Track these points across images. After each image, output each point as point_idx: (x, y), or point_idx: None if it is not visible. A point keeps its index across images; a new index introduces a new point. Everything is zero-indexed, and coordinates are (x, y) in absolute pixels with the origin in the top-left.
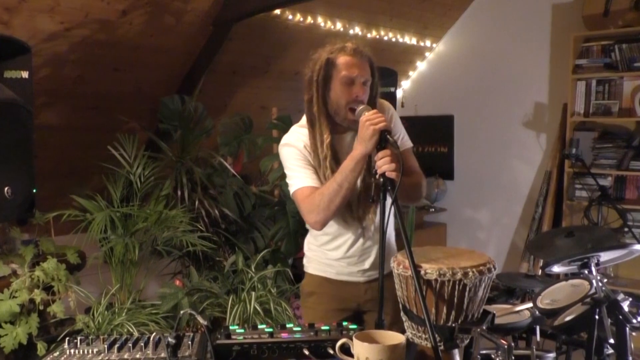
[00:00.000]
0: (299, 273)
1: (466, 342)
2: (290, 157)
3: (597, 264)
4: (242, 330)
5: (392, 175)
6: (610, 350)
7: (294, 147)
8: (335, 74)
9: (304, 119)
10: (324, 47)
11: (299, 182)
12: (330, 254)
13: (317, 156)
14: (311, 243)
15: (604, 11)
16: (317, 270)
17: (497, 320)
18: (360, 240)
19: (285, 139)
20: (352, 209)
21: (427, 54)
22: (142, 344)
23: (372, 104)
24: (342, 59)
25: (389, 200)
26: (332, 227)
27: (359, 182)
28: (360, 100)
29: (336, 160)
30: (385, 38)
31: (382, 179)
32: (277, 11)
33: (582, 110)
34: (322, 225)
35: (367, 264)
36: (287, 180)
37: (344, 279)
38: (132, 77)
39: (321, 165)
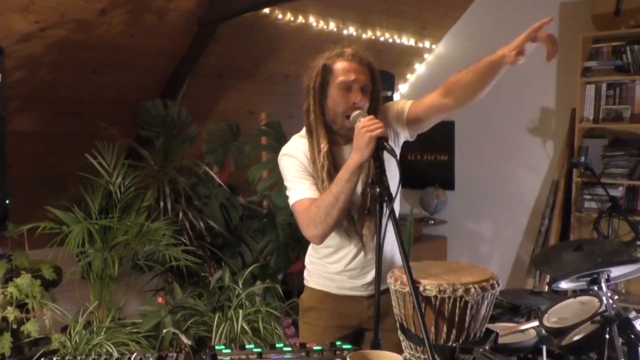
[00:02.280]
0: (289, 289)
1: None
2: (289, 168)
3: (608, 280)
4: (228, 351)
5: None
6: None
7: (293, 158)
8: (332, 80)
9: (304, 129)
10: (322, 53)
11: (298, 193)
12: (331, 267)
13: (316, 166)
14: (312, 255)
15: (615, 10)
16: (318, 285)
17: (501, 340)
18: (362, 253)
19: (285, 149)
20: (355, 221)
21: (426, 55)
22: None
23: (374, 112)
24: (339, 64)
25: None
26: (334, 239)
27: (359, 192)
28: (358, 107)
29: (335, 171)
30: (382, 39)
31: (378, 189)
32: (266, 10)
33: (592, 115)
34: (321, 239)
35: (369, 277)
36: (287, 192)
37: (346, 293)
38: (111, 80)
39: (319, 176)
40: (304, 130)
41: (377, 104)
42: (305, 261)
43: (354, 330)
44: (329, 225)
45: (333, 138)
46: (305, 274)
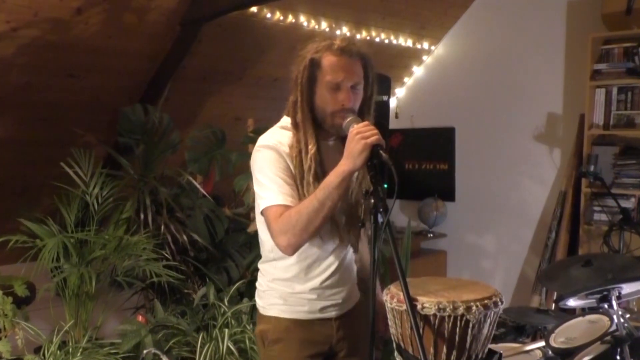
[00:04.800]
0: None
1: None
2: (269, 162)
3: (619, 297)
4: None
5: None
6: None
7: (276, 152)
8: (320, 77)
9: (285, 120)
10: (313, 41)
11: (273, 197)
12: (302, 286)
13: (302, 166)
14: (276, 279)
15: (626, 9)
16: (283, 312)
17: None
18: (341, 268)
19: (265, 140)
20: (340, 231)
21: (424, 57)
22: None
23: (366, 109)
24: (327, 60)
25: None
26: (313, 251)
27: (352, 201)
28: (347, 108)
29: (322, 171)
30: (377, 39)
31: (372, 200)
32: (254, 9)
33: (602, 121)
34: (295, 249)
35: (341, 296)
36: (258, 190)
37: (316, 317)
38: (88, 84)
39: (304, 178)
40: (284, 121)
41: (370, 99)
42: (261, 287)
43: (325, 357)
44: (309, 233)
45: (319, 133)
46: (261, 301)
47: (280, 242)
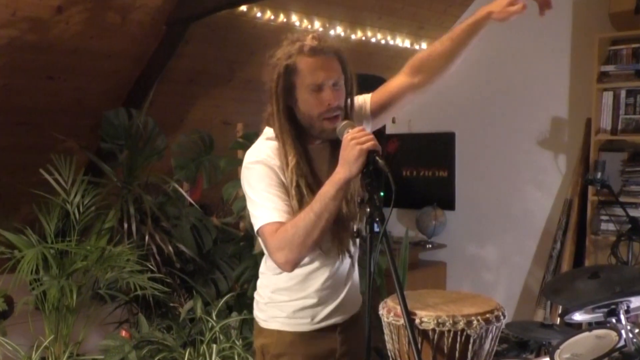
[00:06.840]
0: None
1: None
2: (260, 179)
3: (627, 311)
4: None
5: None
6: None
7: (266, 166)
8: (299, 82)
9: (269, 131)
10: (280, 46)
11: (268, 215)
12: (304, 292)
13: (288, 179)
14: (278, 289)
15: (635, 8)
16: (286, 325)
17: None
18: (339, 270)
19: (253, 155)
20: (335, 235)
21: None
22: None
23: (349, 105)
24: (303, 63)
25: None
26: (312, 258)
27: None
28: (333, 107)
29: (314, 180)
30: (373, 40)
31: (368, 208)
32: (243, 8)
33: (609, 126)
34: (294, 265)
35: (339, 299)
36: (252, 209)
37: (321, 326)
38: (69, 86)
39: (289, 192)
40: (269, 132)
41: (351, 95)
42: (262, 298)
43: None
44: (307, 247)
45: (310, 139)
46: (262, 314)
47: (278, 258)
